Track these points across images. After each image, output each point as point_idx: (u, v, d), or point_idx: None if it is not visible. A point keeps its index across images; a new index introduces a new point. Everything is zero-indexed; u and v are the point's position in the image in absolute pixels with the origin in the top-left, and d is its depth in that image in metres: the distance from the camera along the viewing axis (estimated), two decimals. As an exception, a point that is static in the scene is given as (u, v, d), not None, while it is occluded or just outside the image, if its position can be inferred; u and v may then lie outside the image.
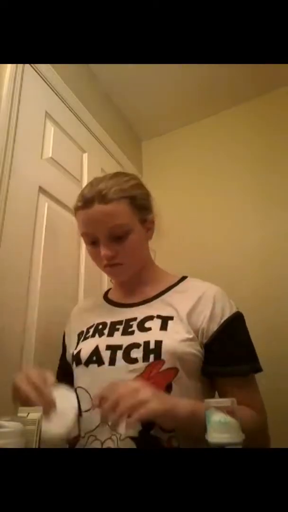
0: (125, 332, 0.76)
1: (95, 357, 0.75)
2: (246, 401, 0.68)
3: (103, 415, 0.60)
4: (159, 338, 0.71)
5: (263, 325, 1.37)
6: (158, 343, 0.71)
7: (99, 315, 0.86)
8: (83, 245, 1.20)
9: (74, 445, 0.74)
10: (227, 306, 0.77)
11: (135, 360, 0.71)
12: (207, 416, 0.45)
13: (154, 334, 0.73)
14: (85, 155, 1.48)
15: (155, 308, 0.79)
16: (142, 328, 0.76)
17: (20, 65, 1.16)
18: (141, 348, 0.71)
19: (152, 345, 0.71)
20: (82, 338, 0.83)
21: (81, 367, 0.77)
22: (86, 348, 0.78)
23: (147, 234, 0.84)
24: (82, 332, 0.84)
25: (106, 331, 0.79)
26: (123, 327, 0.78)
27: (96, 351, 0.76)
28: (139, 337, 0.74)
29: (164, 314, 0.76)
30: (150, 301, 0.81)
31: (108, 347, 0.75)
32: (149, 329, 0.74)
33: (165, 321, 0.75)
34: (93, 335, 0.81)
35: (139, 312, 0.79)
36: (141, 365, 0.70)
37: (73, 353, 0.82)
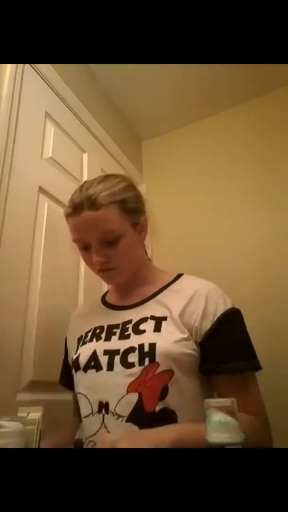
0: (122, 336, 0.76)
1: (93, 362, 0.75)
2: (243, 402, 0.66)
3: None
4: (153, 341, 0.71)
5: (263, 325, 1.37)
6: (152, 346, 0.70)
7: (96, 318, 0.85)
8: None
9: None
10: (220, 303, 0.76)
11: (132, 365, 0.70)
12: (207, 416, 0.45)
13: (148, 336, 0.72)
14: (85, 155, 1.48)
15: (150, 308, 0.78)
16: (137, 330, 0.75)
17: (20, 65, 1.16)
18: (137, 352, 0.71)
19: (146, 348, 0.70)
20: (81, 343, 0.83)
21: (80, 373, 0.77)
22: (84, 353, 0.78)
23: (140, 236, 0.83)
24: (81, 336, 0.84)
25: (103, 335, 0.79)
26: (120, 331, 0.77)
27: (94, 356, 0.76)
28: (134, 340, 0.73)
29: (157, 314, 0.76)
30: (145, 301, 0.81)
31: (106, 352, 0.75)
32: (143, 331, 0.74)
33: (158, 322, 0.74)
34: (90, 340, 0.80)
35: (135, 314, 0.79)
36: (137, 369, 0.70)
37: (72, 358, 0.83)
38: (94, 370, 0.75)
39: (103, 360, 0.74)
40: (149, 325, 0.74)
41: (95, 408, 0.72)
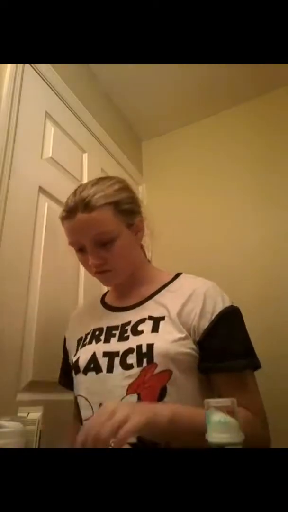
0: (121, 338, 0.76)
1: (93, 365, 0.75)
2: (242, 401, 0.66)
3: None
4: (150, 341, 0.71)
5: (263, 325, 1.37)
6: (150, 347, 0.70)
7: (96, 320, 0.85)
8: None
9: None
10: (218, 301, 0.75)
11: (130, 366, 0.70)
12: (207, 416, 0.45)
13: (145, 337, 0.72)
14: (85, 155, 1.48)
15: (148, 309, 0.78)
16: (135, 331, 0.75)
17: (20, 65, 1.16)
18: (135, 353, 0.71)
19: (144, 349, 0.70)
20: (81, 345, 0.83)
21: (80, 375, 0.77)
22: (83, 355, 0.78)
23: (136, 237, 0.82)
24: (81, 338, 0.84)
25: (102, 337, 0.79)
26: (119, 332, 0.77)
27: (93, 358, 0.76)
28: (132, 341, 0.73)
29: (155, 315, 0.76)
30: (143, 302, 0.81)
31: (105, 354, 0.75)
32: (141, 332, 0.74)
33: (156, 322, 0.74)
34: (90, 342, 0.80)
35: (133, 315, 0.79)
36: (136, 370, 0.70)
37: (72, 360, 0.82)
38: (94, 373, 0.74)
39: (103, 362, 0.74)
40: (147, 326, 0.74)
41: (96, 411, 0.72)
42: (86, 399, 0.75)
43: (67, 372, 0.87)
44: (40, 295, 1.06)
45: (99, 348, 0.77)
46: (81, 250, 0.79)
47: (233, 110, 1.85)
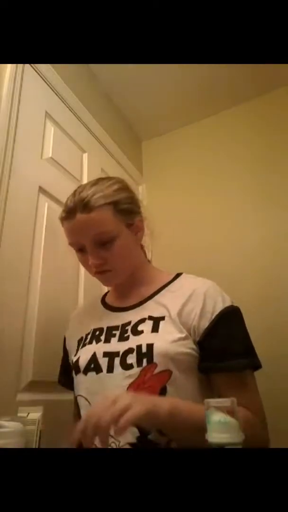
0: (121, 338, 0.76)
1: (93, 365, 0.75)
2: (242, 401, 0.65)
3: (86, 440, 0.56)
4: (150, 341, 0.71)
5: (263, 325, 1.37)
6: (150, 346, 0.70)
7: (96, 320, 0.85)
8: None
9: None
10: (219, 301, 0.75)
11: (130, 366, 0.71)
12: (207, 416, 0.45)
13: (145, 337, 0.72)
14: (85, 155, 1.48)
15: (148, 309, 0.78)
16: (135, 331, 0.75)
17: (20, 65, 1.16)
18: (135, 353, 0.71)
19: (144, 349, 0.70)
20: (81, 345, 0.83)
21: (80, 375, 0.77)
22: (84, 355, 0.78)
23: (136, 237, 0.82)
24: (81, 338, 0.84)
25: (102, 337, 0.79)
26: (120, 333, 0.77)
27: (93, 358, 0.76)
28: (133, 341, 0.73)
29: (155, 315, 0.76)
30: (144, 302, 0.81)
31: (105, 354, 0.75)
32: (141, 332, 0.74)
33: (156, 322, 0.74)
34: (90, 342, 0.80)
35: (134, 315, 0.79)
36: (136, 370, 0.70)
37: (72, 360, 0.82)
38: (94, 373, 0.74)
39: (103, 362, 0.74)
40: (147, 326, 0.74)
41: None
42: (86, 399, 0.75)
43: (67, 372, 0.87)
44: (40, 295, 1.06)
45: (99, 348, 0.77)
46: (81, 250, 0.79)
47: (233, 110, 1.85)
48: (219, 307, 0.74)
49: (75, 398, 0.82)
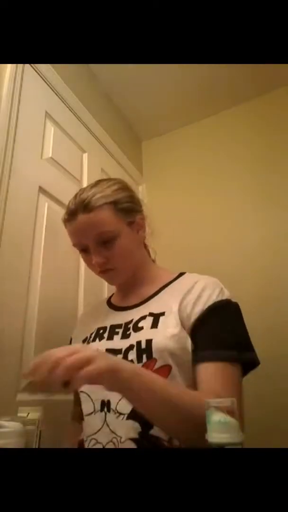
0: (124, 336, 0.77)
1: None
2: (217, 389, 0.62)
3: (40, 383, 0.52)
4: (149, 337, 0.71)
5: (263, 325, 1.37)
6: (149, 342, 0.70)
7: (100, 319, 0.86)
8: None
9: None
10: (215, 293, 0.74)
11: (131, 362, 0.70)
12: (207, 416, 0.45)
13: (145, 333, 0.73)
14: (85, 155, 1.48)
15: (149, 307, 0.79)
16: (136, 328, 0.76)
17: (20, 65, 1.16)
18: (135, 349, 0.71)
19: (143, 345, 0.71)
20: (86, 344, 0.84)
21: None
22: None
23: (138, 235, 0.83)
24: (86, 338, 0.85)
25: (106, 335, 0.80)
26: (122, 331, 0.78)
27: None
28: (133, 338, 0.74)
29: (156, 311, 0.76)
30: (146, 301, 0.81)
31: (108, 351, 0.75)
32: (141, 328, 0.75)
33: (156, 318, 0.74)
34: (93, 340, 0.82)
35: (136, 313, 0.80)
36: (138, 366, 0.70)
37: None
38: None
39: None
40: (147, 322, 0.75)
41: (98, 407, 0.73)
42: (88, 395, 0.75)
43: None
44: (40, 295, 1.06)
45: (102, 345, 0.78)
46: (84, 250, 0.81)
47: (233, 110, 1.85)
48: (214, 299, 0.74)
49: (75, 395, 0.82)
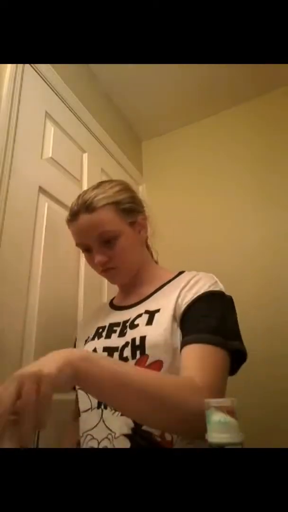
0: (121, 334, 0.78)
1: None
2: (197, 372, 0.60)
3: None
4: (143, 334, 0.72)
5: (263, 325, 1.37)
6: (143, 339, 0.71)
7: (101, 319, 0.88)
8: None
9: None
10: (207, 285, 0.74)
11: (126, 359, 0.72)
12: (207, 416, 0.45)
13: (140, 330, 0.74)
14: (85, 155, 1.48)
15: (147, 305, 0.80)
16: (132, 326, 0.77)
17: (20, 65, 1.16)
18: (130, 346, 0.72)
19: (137, 342, 0.71)
20: (86, 343, 0.85)
21: None
22: None
23: (139, 236, 0.84)
24: (88, 338, 0.86)
25: (104, 334, 0.81)
26: (120, 329, 0.79)
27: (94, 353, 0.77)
28: (129, 335, 0.75)
29: (152, 308, 0.77)
30: (145, 299, 0.82)
31: (105, 349, 0.77)
32: (137, 325, 0.76)
33: (152, 315, 0.75)
34: (93, 338, 0.83)
35: (134, 312, 0.81)
36: (131, 363, 0.71)
37: None
38: None
39: None
40: (142, 319, 0.76)
41: (94, 404, 0.74)
42: (86, 392, 0.76)
43: None
44: (40, 295, 1.06)
45: (100, 343, 0.79)
46: (87, 250, 0.82)
47: (233, 110, 1.85)
48: (205, 289, 0.73)
49: (76, 395, 0.83)
